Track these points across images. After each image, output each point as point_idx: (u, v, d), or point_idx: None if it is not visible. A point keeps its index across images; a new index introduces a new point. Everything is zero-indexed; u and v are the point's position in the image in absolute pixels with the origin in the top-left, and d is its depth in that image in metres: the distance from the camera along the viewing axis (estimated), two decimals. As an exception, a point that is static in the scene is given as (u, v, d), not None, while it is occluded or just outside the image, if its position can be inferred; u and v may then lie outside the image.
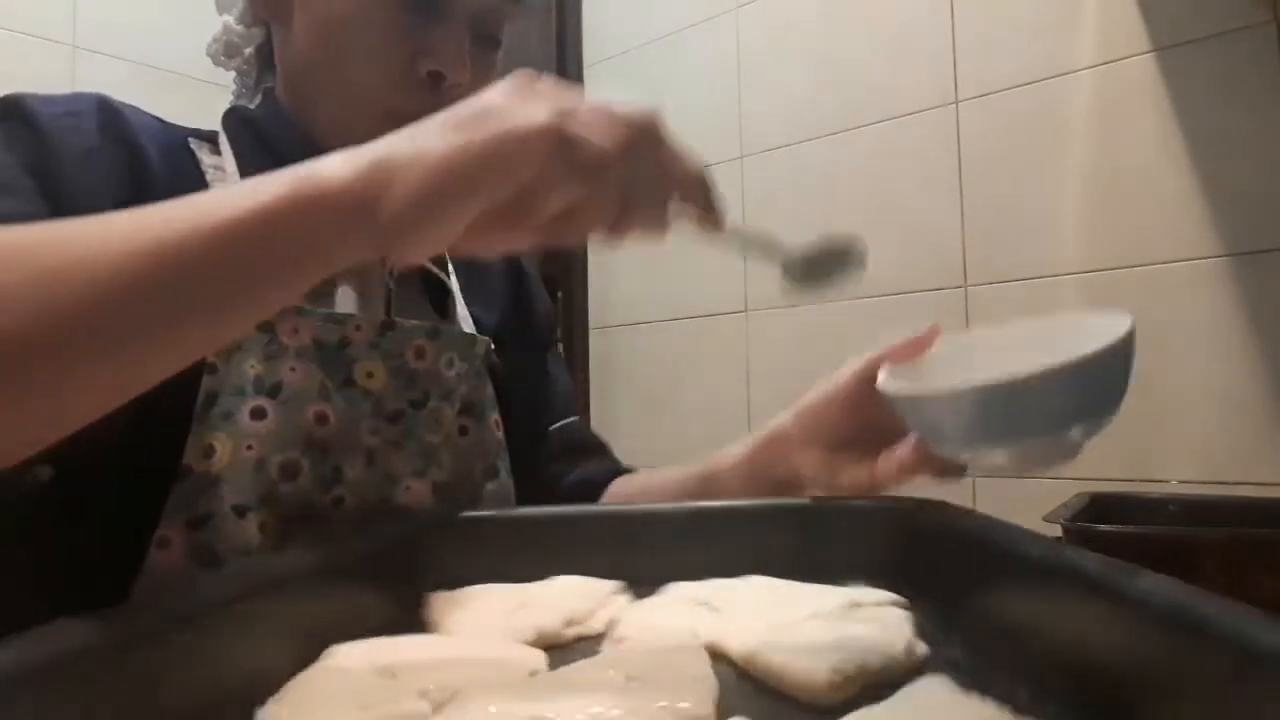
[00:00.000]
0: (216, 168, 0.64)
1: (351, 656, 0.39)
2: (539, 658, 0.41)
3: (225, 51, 0.72)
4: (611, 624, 0.45)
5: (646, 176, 0.38)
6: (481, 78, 0.67)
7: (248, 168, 0.64)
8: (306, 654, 0.39)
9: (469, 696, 0.33)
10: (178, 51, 1.69)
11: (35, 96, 0.58)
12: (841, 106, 1.66)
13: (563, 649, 0.44)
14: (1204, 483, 1.24)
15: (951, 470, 0.54)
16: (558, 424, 0.82)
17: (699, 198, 0.41)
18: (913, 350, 0.55)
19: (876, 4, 1.62)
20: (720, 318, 1.80)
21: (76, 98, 0.59)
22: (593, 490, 0.78)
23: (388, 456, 0.64)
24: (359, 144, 0.65)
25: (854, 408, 0.59)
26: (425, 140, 0.37)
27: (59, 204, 0.53)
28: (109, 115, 0.60)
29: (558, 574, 0.53)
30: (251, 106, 0.71)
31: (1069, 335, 0.44)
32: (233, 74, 0.74)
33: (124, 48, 1.77)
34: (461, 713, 0.32)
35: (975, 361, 0.50)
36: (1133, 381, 0.44)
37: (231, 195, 0.37)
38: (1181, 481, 1.25)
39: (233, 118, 0.69)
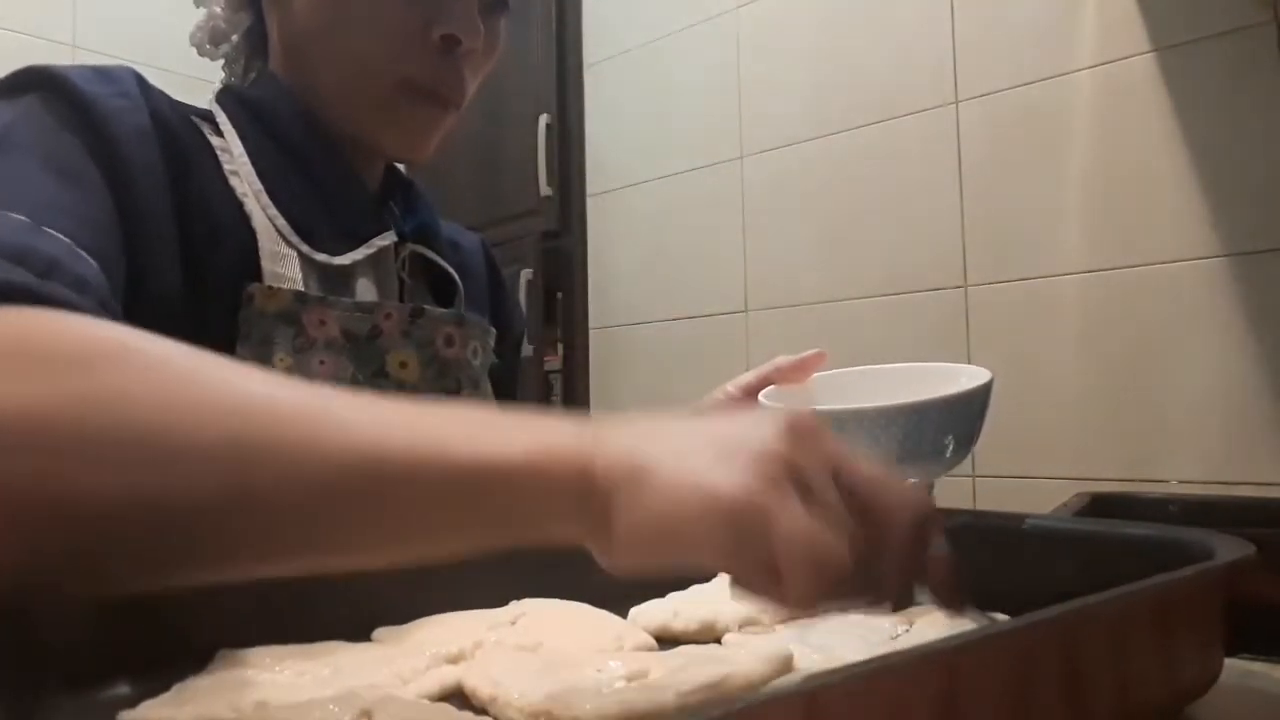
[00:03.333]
0: (223, 149, 0.63)
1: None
2: None
3: (211, 39, 0.70)
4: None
5: (880, 577, 0.33)
6: (491, 44, 0.67)
7: (252, 148, 0.63)
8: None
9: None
10: (178, 51, 1.70)
11: (75, 71, 0.55)
12: (841, 106, 1.66)
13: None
14: (1204, 483, 1.24)
15: None
16: None
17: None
18: (799, 371, 0.57)
19: (876, 4, 1.62)
20: (720, 318, 1.80)
21: (116, 75, 0.58)
22: None
23: None
24: (368, 114, 0.65)
25: None
26: (679, 454, 0.31)
27: (119, 189, 0.52)
28: (149, 93, 0.59)
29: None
30: (245, 87, 0.70)
31: (935, 380, 0.51)
32: (219, 62, 0.73)
33: (124, 48, 1.77)
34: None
35: (850, 395, 0.54)
36: (983, 433, 0.49)
37: (447, 424, 0.32)
38: (1181, 481, 1.25)
39: (228, 98, 0.67)
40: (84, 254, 0.47)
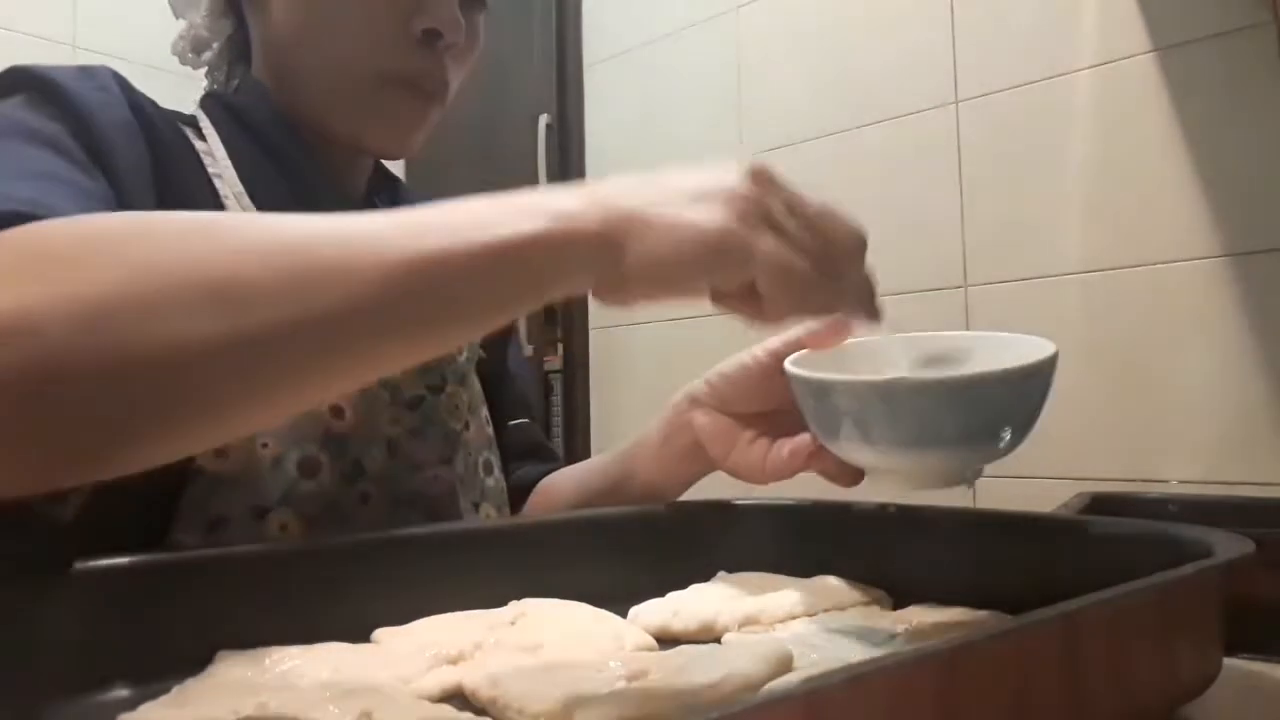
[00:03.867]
0: (206, 153, 0.63)
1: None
2: None
3: (193, 47, 0.70)
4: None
5: (840, 289, 0.44)
6: (472, 39, 0.66)
7: (235, 153, 0.63)
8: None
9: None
10: (178, 51, 1.70)
11: (54, 69, 0.55)
12: (841, 106, 1.66)
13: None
14: (1204, 483, 1.24)
15: (845, 475, 0.50)
16: (514, 422, 0.81)
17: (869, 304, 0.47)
18: (833, 334, 0.54)
19: (876, 4, 1.62)
20: (720, 318, 1.79)
21: (94, 71, 0.57)
22: (525, 494, 0.77)
23: (410, 445, 0.62)
24: (351, 111, 0.65)
25: (766, 382, 0.57)
26: (666, 204, 0.39)
27: (112, 181, 0.52)
28: (127, 89, 0.59)
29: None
30: (228, 92, 0.69)
31: (993, 350, 0.45)
32: (202, 70, 0.72)
33: (124, 48, 1.76)
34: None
35: (886, 366, 0.48)
36: (1044, 415, 0.44)
37: (475, 217, 0.38)
38: (1181, 481, 1.25)
39: (211, 103, 0.67)
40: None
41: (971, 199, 1.49)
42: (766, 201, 0.40)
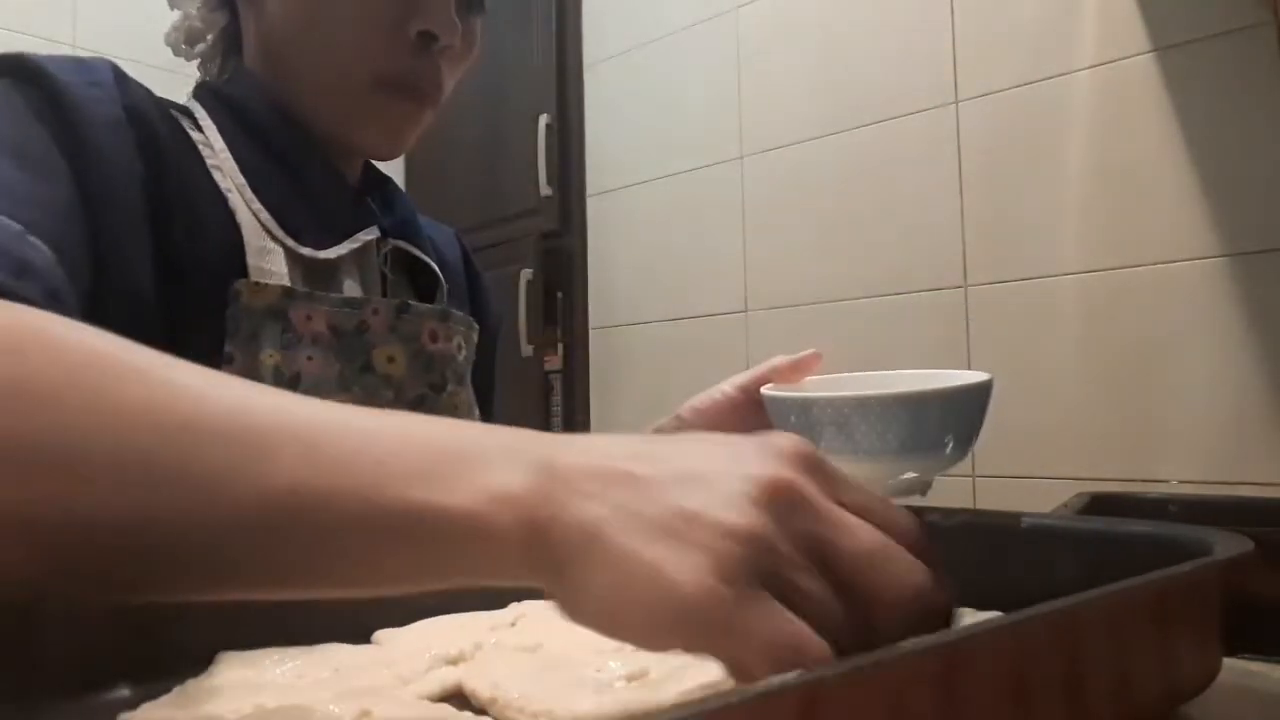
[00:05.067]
0: (204, 144, 0.62)
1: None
2: None
3: (187, 39, 0.70)
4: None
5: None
6: (468, 42, 0.67)
7: (232, 143, 0.63)
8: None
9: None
10: (178, 52, 1.70)
11: (51, 60, 0.55)
12: (841, 106, 1.66)
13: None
14: (1204, 483, 1.24)
15: None
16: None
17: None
18: (796, 371, 0.59)
19: (876, 4, 1.62)
20: (720, 318, 1.80)
21: (91, 65, 0.57)
22: None
23: None
24: (344, 110, 0.65)
25: (735, 415, 0.61)
26: (640, 532, 0.26)
27: (86, 179, 0.52)
28: (125, 85, 0.58)
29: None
30: (221, 83, 0.69)
31: (934, 384, 0.51)
32: (195, 62, 0.72)
33: (124, 47, 1.77)
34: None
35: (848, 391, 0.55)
36: (984, 433, 0.50)
37: (411, 463, 0.28)
38: (1181, 481, 1.25)
39: (205, 94, 0.66)
40: (37, 240, 0.46)
41: (971, 199, 1.49)
42: (783, 533, 0.26)
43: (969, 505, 1.46)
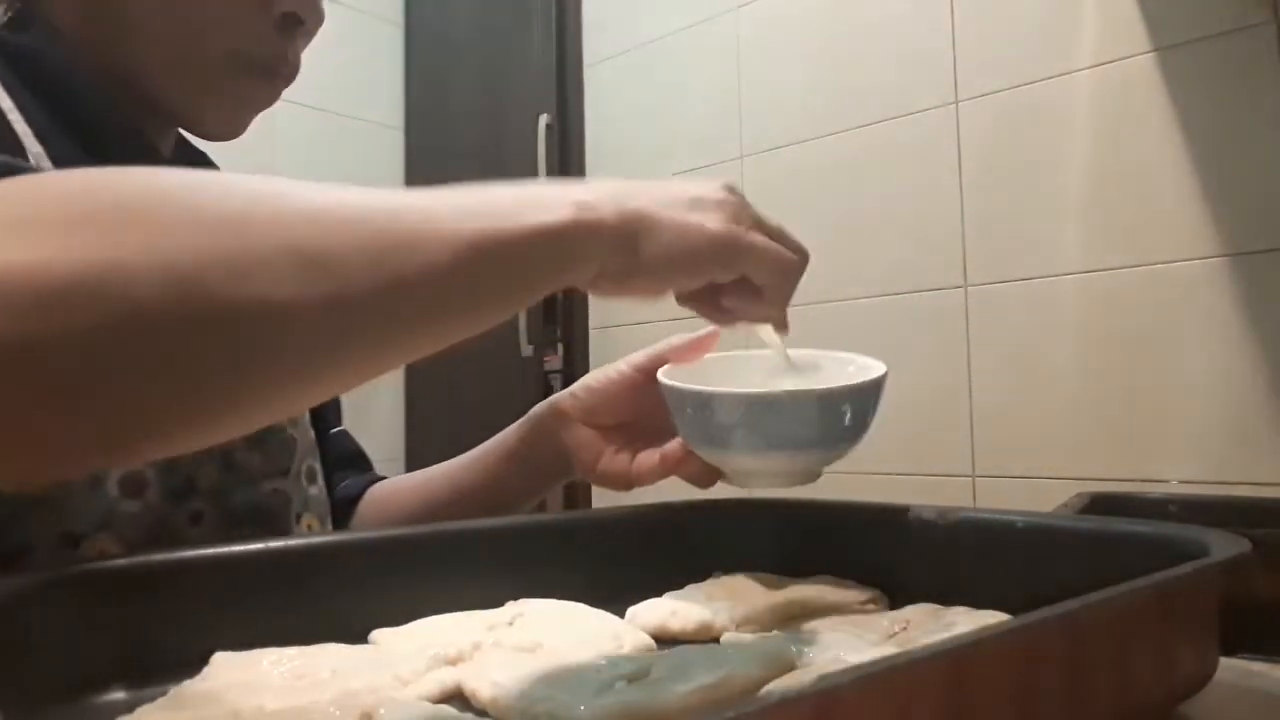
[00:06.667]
0: None
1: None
2: None
3: None
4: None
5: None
6: (320, 20, 0.63)
7: (30, 109, 0.53)
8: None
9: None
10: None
11: None
12: (841, 106, 1.66)
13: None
14: (1204, 483, 1.24)
15: (705, 476, 0.55)
16: (334, 430, 0.76)
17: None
18: (694, 350, 0.60)
19: (876, 4, 1.62)
20: (720, 318, 1.80)
21: None
22: (351, 505, 0.73)
23: (247, 456, 0.57)
24: (189, 83, 0.59)
25: (631, 395, 0.61)
26: (673, 208, 0.43)
27: None
28: None
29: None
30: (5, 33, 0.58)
31: (832, 369, 0.54)
32: None
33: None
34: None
35: (746, 378, 0.55)
36: (873, 426, 0.50)
37: (509, 203, 0.39)
38: (1181, 481, 1.25)
39: None
40: None
41: (971, 199, 1.49)
42: (751, 209, 0.45)
43: (969, 505, 1.46)
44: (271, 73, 0.62)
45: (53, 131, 0.54)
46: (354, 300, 0.34)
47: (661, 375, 0.54)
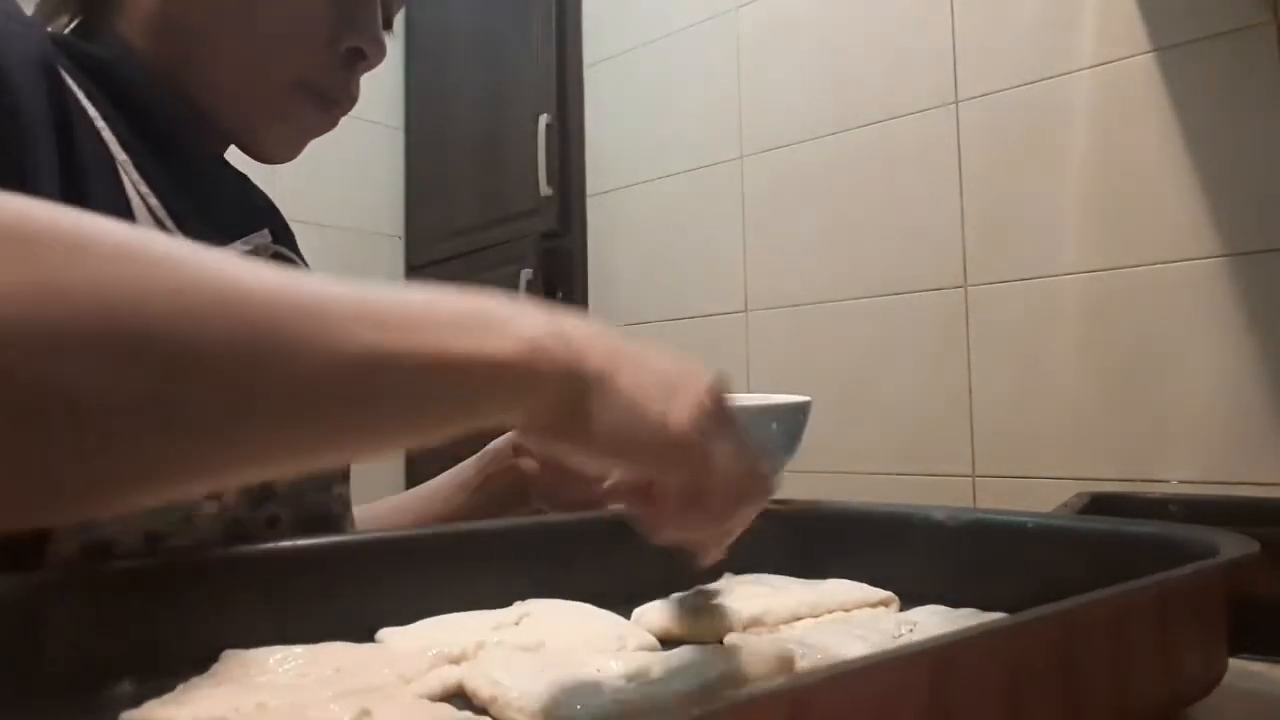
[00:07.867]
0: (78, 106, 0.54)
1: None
2: None
3: None
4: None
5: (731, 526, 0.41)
6: (381, 59, 0.65)
7: (112, 118, 0.54)
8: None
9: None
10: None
11: None
12: (841, 106, 1.66)
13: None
14: (1204, 483, 1.24)
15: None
16: None
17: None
18: None
19: (876, 4, 1.62)
20: (720, 318, 1.80)
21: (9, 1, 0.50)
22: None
23: None
24: (254, 111, 0.62)
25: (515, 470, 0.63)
26: (642, 384, 0.36)
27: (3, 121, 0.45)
28: (43, 27, 0.51)
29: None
30: (77, 40, 0.59)
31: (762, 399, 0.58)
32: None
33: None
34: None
35: None
36: (801, 447, 0.56)
37: (435, 317, 0.32)
38: (1181, 481, 1.25)
39: (58, 48, 0.54)
40: None
41: (971, 199, 1.49)
42: (732, 425, 0.38)
43: (969, 505, 1.46)
44: (333, 103, 0.64)
45: (133, 141, 0.55)
46: (193, 403, 0.28)
47: None
